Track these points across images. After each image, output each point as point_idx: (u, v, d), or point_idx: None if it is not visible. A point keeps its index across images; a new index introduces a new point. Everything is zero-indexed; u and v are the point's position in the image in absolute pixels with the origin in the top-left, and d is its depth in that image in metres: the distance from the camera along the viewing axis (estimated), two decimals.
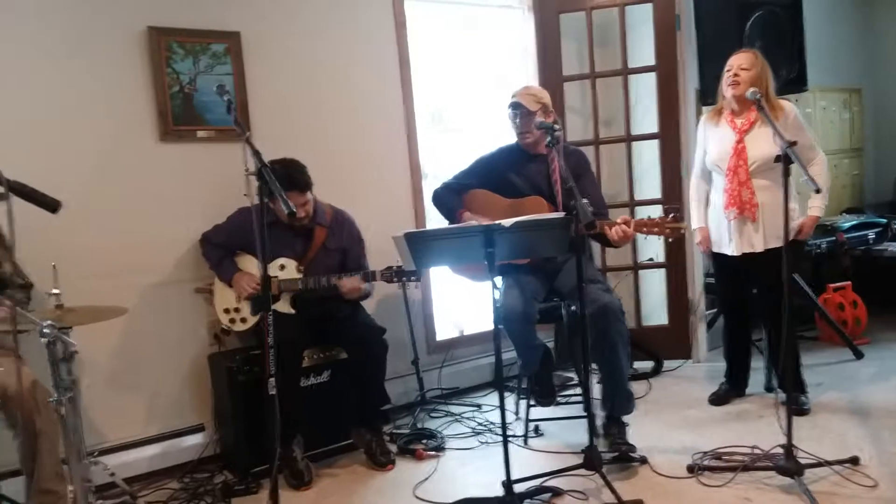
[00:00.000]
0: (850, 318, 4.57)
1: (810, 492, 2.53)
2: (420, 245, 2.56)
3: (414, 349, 3.88)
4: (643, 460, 3.00)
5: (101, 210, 3.23)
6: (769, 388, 3.71)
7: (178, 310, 3.42)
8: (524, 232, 2.55)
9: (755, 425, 3.32)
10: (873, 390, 3.71)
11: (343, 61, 3.85)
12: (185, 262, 3.43)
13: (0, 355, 2.60)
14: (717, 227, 3.50)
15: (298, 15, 3.70)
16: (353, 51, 3.88)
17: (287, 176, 3.02)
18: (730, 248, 3.42)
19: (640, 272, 4.55)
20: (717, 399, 3.69)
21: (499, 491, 2.64)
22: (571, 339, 3.57)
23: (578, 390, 3.72)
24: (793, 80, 4.04)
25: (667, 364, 4.37)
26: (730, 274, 3.57)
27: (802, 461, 2.67)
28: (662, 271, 4.49)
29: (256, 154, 2.31)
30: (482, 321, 4.42)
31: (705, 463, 2.92)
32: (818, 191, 2.75)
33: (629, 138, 4.46)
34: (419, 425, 3.69)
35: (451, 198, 3.44)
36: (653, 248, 4.62)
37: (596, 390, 3.18)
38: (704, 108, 3.76)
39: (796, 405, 3.34)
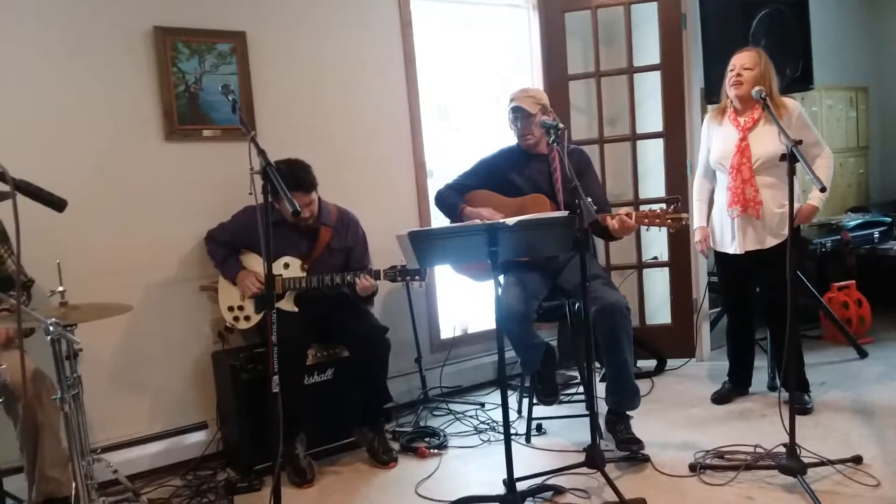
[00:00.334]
0: (855, 316, 4.56)
1: (813, 491, 2.53)
2: (424, 244, 2.57)
3: (417, 347, 3.88)
4: (646, 458, 3.00)
5: (106, 209, 3.25)
6: (772, 387, 3.71)
7: (182, 308, 3.43)
8: (527, 230, 2.55)
9: (758, 424, 3.32)
10: (877, 389, 3.70)
11: (348, 61, 3.86)
12: (190, 260, 3.45)
13: (3, 350, 2.62)
14: (720, 225, 3.50)
15: (304, 14, 3.71)
16: (358, 50, 3.88)
17: (292, 176, 3.03)
18: (733, 247, 3.42)
19: (644, 271, 4.55)
20: (720, 398, 3.69)
21: (501, 489, 2.65)
22: (575, 338, 3.57)
23: (581, 389, 3.72)
24: (798, 79, 4.03)
25: (670, 363, 4.37)
26: (733, 272, 3.57)
27: (805, 460, 2.67)
28: (666, 270, 4.49)
29: (262, 153, 2.32)
30: (485, 319, 4.42)
31: (708, 461, 2.92)
32: (823, 189, 2.74)
33: (634, 137, 4.46)
34: (422, 423, 3.71)
35: (452, 197, 3.45)
36: (657, 247, 4.62)
37: (599, 388, 3.18)
38: (709, 107, 3.75)
39: (799, 404, 3.32)
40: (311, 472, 3.10)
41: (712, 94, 3.94)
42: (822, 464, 2.76)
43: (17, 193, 2.06)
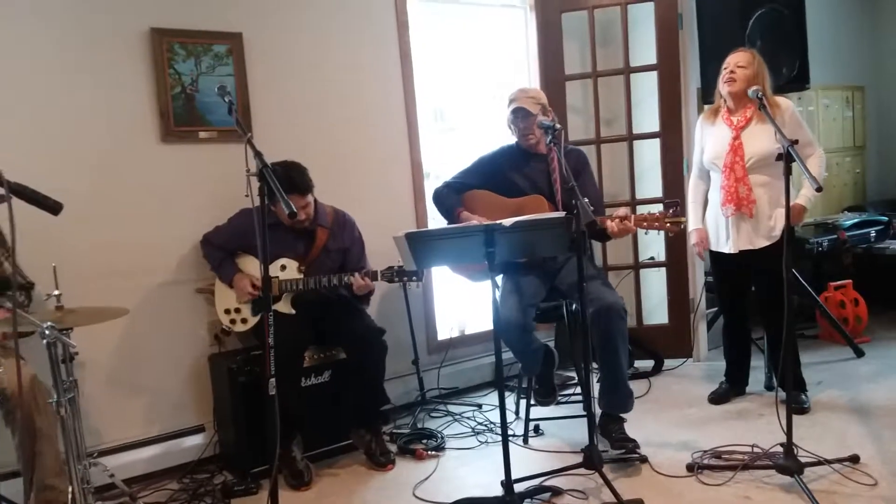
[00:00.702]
0: (851, 316, 4.57)
1: (810, 490, 2.53)
2: (421, 245, 2.56)
3: (414, 349, 3.88)
4: (643, 459, 3.00)
5: (102, 211, 3.23)
6: (769, 387, 3.71)
7: (178, 310, 3.42)
8: (524, 231, 2.55)
9: (755, 424, 3.33)
10: (874, 389, 3.71)
11: (345, 62, 3.85)
12: (187, 262, 3.43)
13: (1, 355, 2.61)
14: (714, 224, 3.50)
15: (300, 16, 3.70)
16: (354, 51, 3.88)
17: (288, 178, 3.02)
18: (727, 246, 3.42)
19: (641, 271, 4.55)
20: (717, 398, 3.69)
21: (499, 490, 2.65)
22: (573, 339, 3.57)
23: (578, 389, 3.72)
24: (795, 78, 4.03)
25: (667, 363, 4.37)
26: (728, 272, 3.57)
27: (802, 460, 2.68)
28: (663, 270, 4.49)
29: (258, 155, 2.31)
30: (483, 320, 4.42)
31: (705, 461, 2.92)
32: (819, 189, 2.75)
33: (631, 137, 4.46)
34: (419, 425, 3.70)
35: (450, 197, 3.45)
36: (654, 247, 4.62)
37: (596, 389, 3.18)
38: (706, 107, 3.76)
39: (796, 404, 3.34)
40: (308, 475, 3.09)
41: (709, 94, 3.94)
42: (819, 463, 2.76)
43: (13, 197, 2.05)
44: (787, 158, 2.59)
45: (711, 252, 3.58)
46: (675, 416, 3.56)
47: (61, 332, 2.15)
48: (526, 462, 3.13)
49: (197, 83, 3.41)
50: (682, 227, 2.84)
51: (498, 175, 3.41)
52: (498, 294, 3.11)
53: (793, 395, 2.98)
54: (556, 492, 2.78)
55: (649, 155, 4.53)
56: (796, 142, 2.63)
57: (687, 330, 4.43)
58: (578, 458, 2.80)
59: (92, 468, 2.47)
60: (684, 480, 2.82)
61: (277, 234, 3.16)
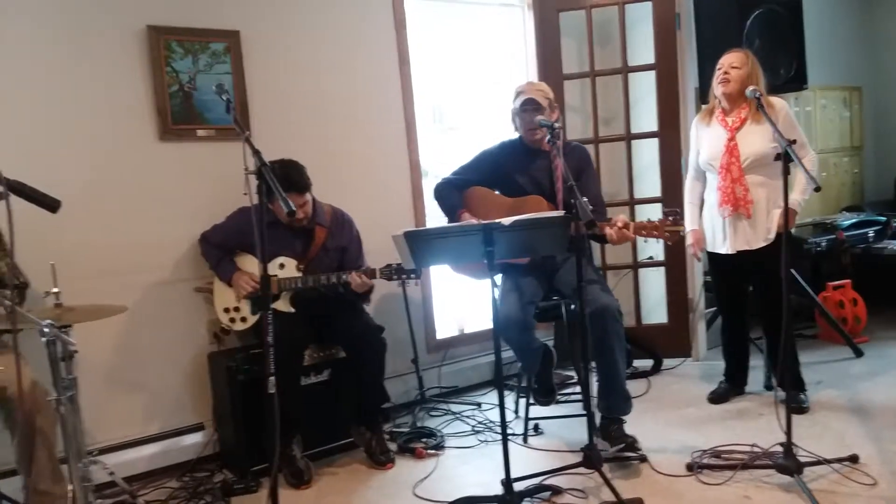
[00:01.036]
0: (850, 316, 4.57)
1: (810, 490, 2.53)
2: (419, 244, 2.56)
3: (414, 348, 3.87)
4: (643, 458, 3.00)
5: (100, 209, 3.23)
6: (768, 387, 3.71)
7: (177, 309, 3.42)
8: (523, 230, 2.54)
9: (754, 423, 3.33)
10: (873, 388, 3.71)
11: (343, 60, 3.85)
12: (185, 261, 3.43)
13: (1, 354, 2.60)
14: (711, 225, 3.50)
15: (298, 13, 3.70)
16: (352, 49, 3.87)
17: (286, 177, 3.01)
18: (724, 247, 3.42)
19: (640, 271, 4.55)
20: (717, 397, 3.69)
21: (498, 489, 2.64)
22: (571, 339, 3.57)
23: (578, 389, 3.72)
24: (793, 79, 4.04)
25: (666, 362, 4.38)
26: (726, 272, 3.58)
27: (802, 459, 2.68)
28: (662, 270, 4.49)
29: (256, 153, 2.31)
30: (482, 319, 4.42)
31: (705, 461, 2.92)
32: (818, 189, 2.76)
33: (629, 137, 4.46)
34: (419, 424, 3.70)
35: (452, 195, 3.43)
36: (652, 246, 4.62)
37: (595, 389, 3.17)
38: (704, 106, 3.76)
39: (795, 403, 3.34)
40: (308, 474, 3.09)
41: (706, 93, 3.94)
42: (818, 463, 2.76)
43: (11, 194, 2.05)
44: (785, 158, 2.60)
45: (709, 253, 3.58)
46: (675, 415, 3.56)
47: (60, 329, 2.14)
48: (525, 461, 3.13)
49: (194, 81, 3.40)
50: (682, 235, 2.83)
51: (500, 172, 3.39)
52: (497, 293, 3.11)
53: (792, 394, 2.98)
54: (556, 491, 2.77)
55: (647, 154, 4.53)
56: (794, 141, 2.63)
57: (686, 329, 4.44)
58: (578, 458, 2.81)
59: (92, 466, 2.46)
60: (684, 480, 2.82)
61: (276, 233, 3.16)
